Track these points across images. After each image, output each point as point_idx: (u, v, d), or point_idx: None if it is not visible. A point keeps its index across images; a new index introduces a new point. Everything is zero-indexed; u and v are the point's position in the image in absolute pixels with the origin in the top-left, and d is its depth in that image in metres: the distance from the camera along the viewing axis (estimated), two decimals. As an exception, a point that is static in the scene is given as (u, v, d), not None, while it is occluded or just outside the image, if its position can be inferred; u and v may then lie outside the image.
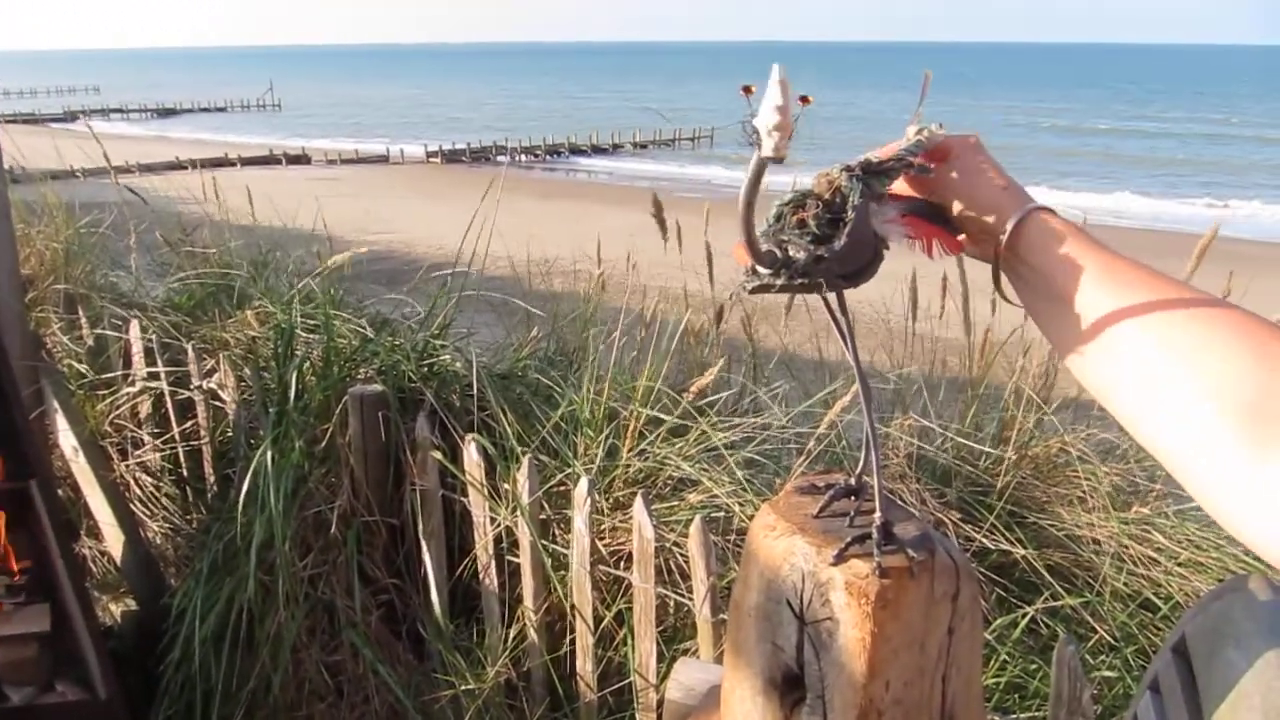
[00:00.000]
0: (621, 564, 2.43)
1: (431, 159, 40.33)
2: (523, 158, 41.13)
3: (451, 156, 40.71)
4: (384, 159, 40.30)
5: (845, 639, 0.90)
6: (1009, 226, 0.89)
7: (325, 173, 30.57)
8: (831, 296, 0.95)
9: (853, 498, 1.00)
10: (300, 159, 37.89)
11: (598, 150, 46.13)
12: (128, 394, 3.60)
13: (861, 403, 0.98)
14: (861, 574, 0.89)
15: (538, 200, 17.89)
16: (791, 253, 0.87)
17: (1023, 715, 2.06)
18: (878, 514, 0.93)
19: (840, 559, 0.90)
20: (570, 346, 3.28)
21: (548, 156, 43.58)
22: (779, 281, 0.87)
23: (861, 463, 1.01)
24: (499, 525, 2.59)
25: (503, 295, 3.36)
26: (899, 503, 1.03)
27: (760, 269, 0.88)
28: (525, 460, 2.46)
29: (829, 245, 0.86)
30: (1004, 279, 0.92)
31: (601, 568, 2.43)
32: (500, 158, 40.93)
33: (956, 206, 0.94)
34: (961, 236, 0.97)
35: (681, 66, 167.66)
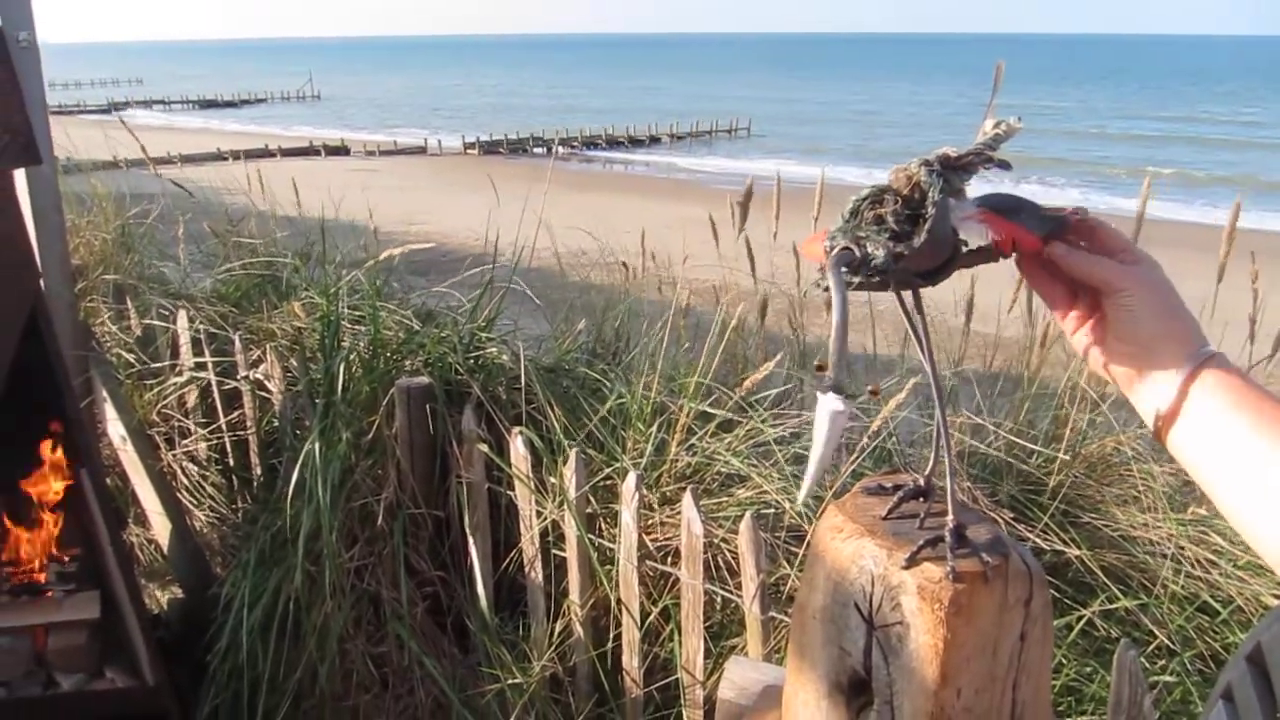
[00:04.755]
0: (668, 559, 2.41)
1: (469, 150, 40.41)
2: (560, 149, 41.12)
3: (489, 148, 40.77)
4: (421, 150, 40.45)
5: (916, 644, 0.87)
6: (1180, 379, 0.87)
7: (364, 164, 30.76)
8: (907, 295, 0.92)
9: (922, 499, 0.97)
10: (339, 150, 38.07)
11: (635, 142, 46.03)
12: (175, 384, 3.63)
13: (935, 405, 0.96)
14: (934, 578, 0.87)
15: (576, 193, 17.89)
16: (869, 250, 0.84)
17: None
18: (950, 516, 0.90)
19: (912, 562, 0.88)
20: (612, 340, 3.27)
21: (585, 148, 43.53)
22: (856, 279, 0.85)
23: (931, 464, 0.98)
24: (545, 519, 2.59)
25: (545, 287, 3.36)
26: (970, 506, 1.00)
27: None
28: (572, 454, 2.45)
29: (908, 242, 0.84)
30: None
31: (648, 563, 2.42)
32: (537, 149, 40.97)
33: (1135, 306, 0.90)
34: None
35: (713, 59, 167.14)
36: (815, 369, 0.83)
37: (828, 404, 0.78)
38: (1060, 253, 0.92)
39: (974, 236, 0.90)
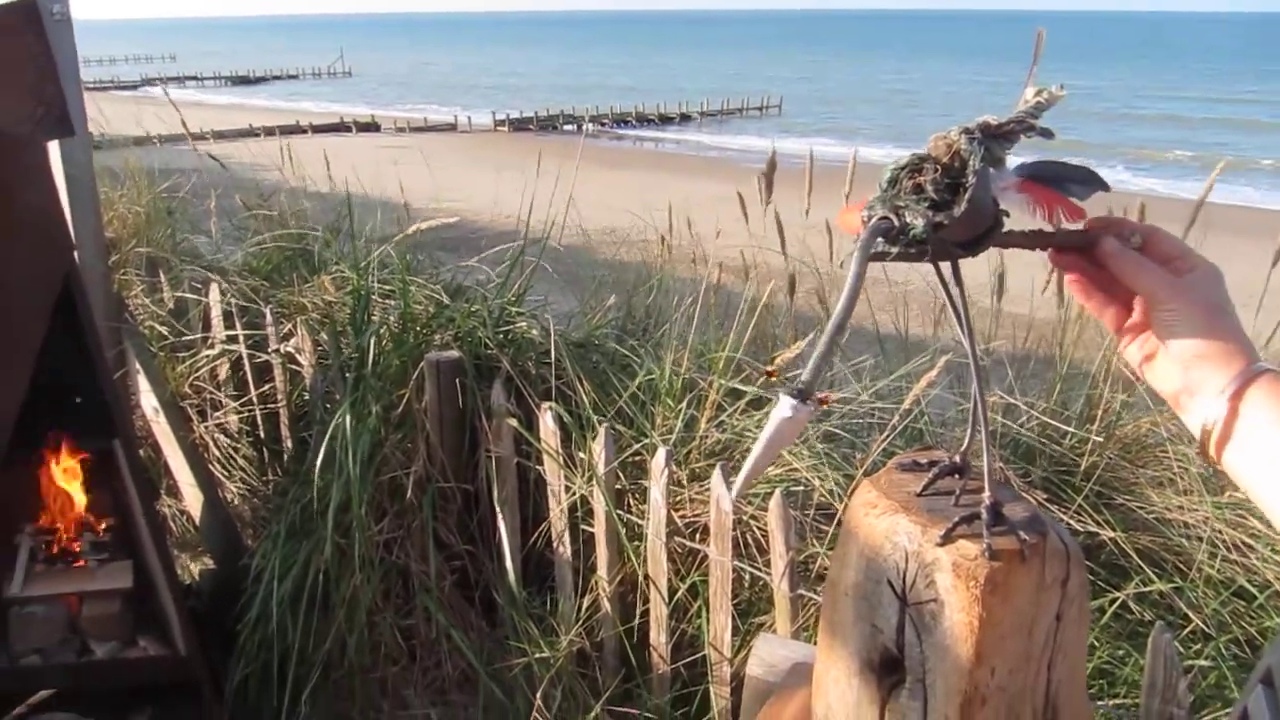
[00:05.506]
0: (697, 536, 2.41)
1: (499, 127, 40.41)
2: (590, 126, 41.00)
3: (519, 124, 40.76)
4: (452, 127, 40.50)
5: (950, 622, 0.86)
6: (1229, 389, 0.84)
7: (394, 140, 30.77)
8: (945, 266, 0.90)
9: (957, 476, 0.96)
10: (370, 127, 38.15)
11: (665, 119, 45.85)
12: (207, 356, 3.65)
13: (972, 379, 0.94)
14: (970, 555, 0.85)
15: (607, 169, 17.87)
16: (908, 219, 0.83)
17: (1111, 702, 2.00)
18: (987, 493, 0.89)
19: (947, 539, 0.86)
20: (642, 316, 3.26)
21: (615, 125, 43.40)
22: (894, 250, 0.83)
23: (966, 440, 0.97)
24: (574, 494, 2.59)
25: (575, 263, 3.35)
26: (1007, 484, 0.98)
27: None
28: (602, 430, 2.44)
29: (948, 212, 0.82)
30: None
31: (676, 539, 2.41)
32: (567, 126, 40.88)
33: (1176, 318, 0.87)
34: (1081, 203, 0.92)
35: (744, 35, 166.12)
36: (765, 374, 0.79)
37: (782, 408, 0.75)
38: (1111, 250, 0.89)
39: (1015, 206, 0.89)
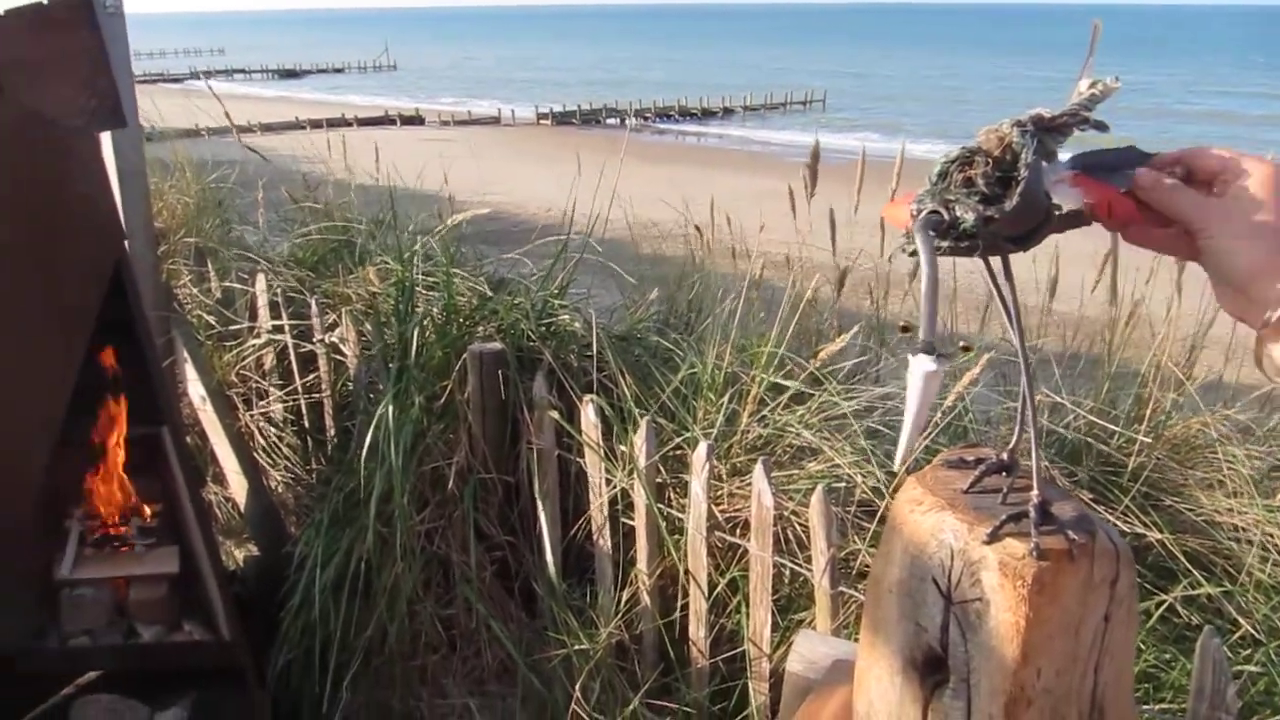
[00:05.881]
0: (737, 531, 2.40)
1: (542, 121, 40.52)
2: (633, 120, 40.98)
3: (561, 119, 40.84)
4: (495, 120, 40.70)
5: (996, 621, 0.85)
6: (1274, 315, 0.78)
7: (438, 134, 30.98)
8: (995, 261, 0.89)
9: (1004, 474, 0.94)
10: (414, 120, 38.43)
11: (708, 114, 45.76)
12: (253, 346, 3.70)
13: (1021, 375, 0.92)
14: (1017, 554, 0.84)
15: (649, 164, 17.85)
16: (958, 213, 0.82)
17: (1157, 707, 1.97)
18: (1035, 491, 0.88)
19: (994, 537, 0.85)
20: (685, 310, 3.25)
21: (658, 120, 43.36)
22: (944, 244, 0.83)
23: (1014, 438, 0.95)
24: (614, 487, 2.59)
25: (617, 257, 3.35)
26: (1055, 483, 0.97)
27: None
28: (643, 423, 2.44)
29: (999, 205, 0.81)
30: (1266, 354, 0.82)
31: (717, 534, 2.41)
32: (610, 120, 40.89)
33: (1217, 247, 0.82)
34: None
35: (785, 29, 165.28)
36: (900, 329, 0.80)
37: (920, 365, 0.76)
38: (1145, 184, 0.85)
39: (1068, 200, 0.87)
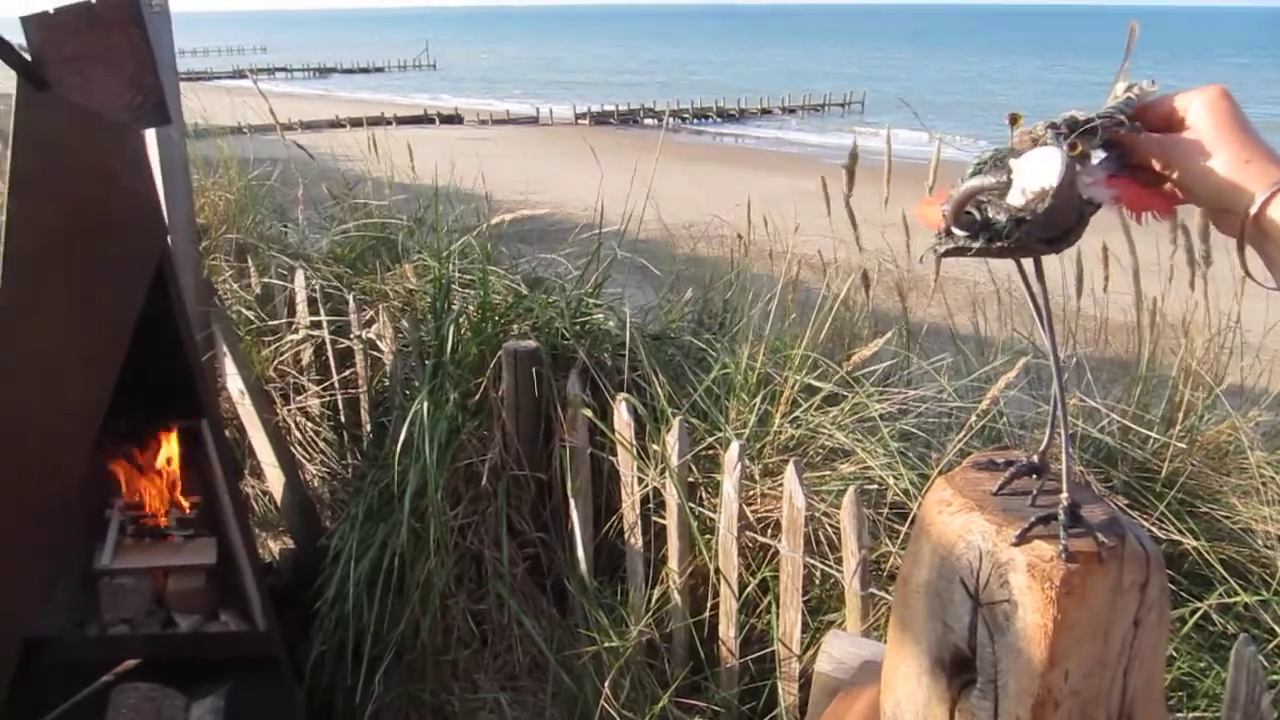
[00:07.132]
0: (768, 531, 2.40)
1: (580, 120, 40.55)
2: (670, 121, 40.96)
3: (599, 119, 40.86)
4: (533, 120, 40.74)
5: (1024, 623, 0.85)
6: (1253, 209, 0.81)
7: (477, 133, 31.13)
8: (1028, 263, 0.89)
9: (1034, 476, 0.94)
10: (453, 119, 38.56)
11: (745, 115, 45.63)
12: (291, 341, 3.74)
13: (1053, 377, 0.92)
14: (1046, 556, 0.84)
15: (686, 163, 17.84)
16: (991, 214, 0.82)
17: (1190, 715, 1.95)
18: (1065, 494, 0.87)
19: (1023, 539, 0.85)
20: (719, 310, 3.25)
21: (695, 120, 43.28)
22: (976, 245, 0.83)
23: (1045, 441, 0.95)
24: (646, 486, 2.60)
25: (652, 257, 3.36)
26: (1087, 486, 0.96)
27: (956, 231, 0.83)
28: (676, 422, 2.45)
29: (1031, 208, 0.81)
30: (1250, 257, 0.84)
31: (748, 534, 2.41)
32: (648, 120, 40.88)
33: (1188, 177, 0.85)
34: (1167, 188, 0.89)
35: (819, 29, 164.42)
36: (1010, 117, 0.79)
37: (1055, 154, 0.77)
38: (1125, 144, 0.88)
39: (1102, 202, 0.87)
